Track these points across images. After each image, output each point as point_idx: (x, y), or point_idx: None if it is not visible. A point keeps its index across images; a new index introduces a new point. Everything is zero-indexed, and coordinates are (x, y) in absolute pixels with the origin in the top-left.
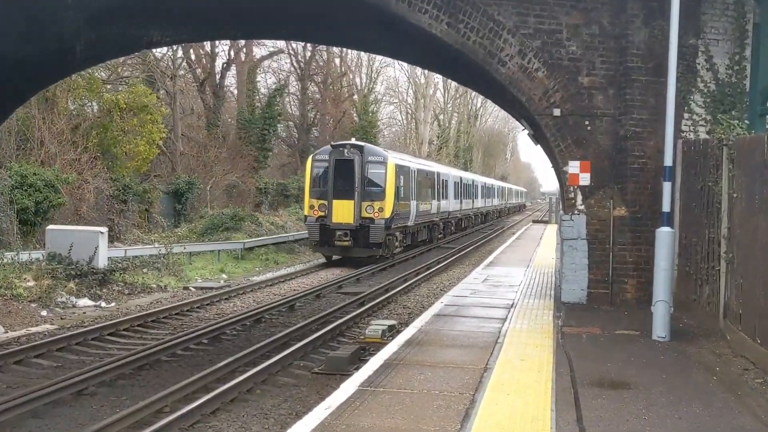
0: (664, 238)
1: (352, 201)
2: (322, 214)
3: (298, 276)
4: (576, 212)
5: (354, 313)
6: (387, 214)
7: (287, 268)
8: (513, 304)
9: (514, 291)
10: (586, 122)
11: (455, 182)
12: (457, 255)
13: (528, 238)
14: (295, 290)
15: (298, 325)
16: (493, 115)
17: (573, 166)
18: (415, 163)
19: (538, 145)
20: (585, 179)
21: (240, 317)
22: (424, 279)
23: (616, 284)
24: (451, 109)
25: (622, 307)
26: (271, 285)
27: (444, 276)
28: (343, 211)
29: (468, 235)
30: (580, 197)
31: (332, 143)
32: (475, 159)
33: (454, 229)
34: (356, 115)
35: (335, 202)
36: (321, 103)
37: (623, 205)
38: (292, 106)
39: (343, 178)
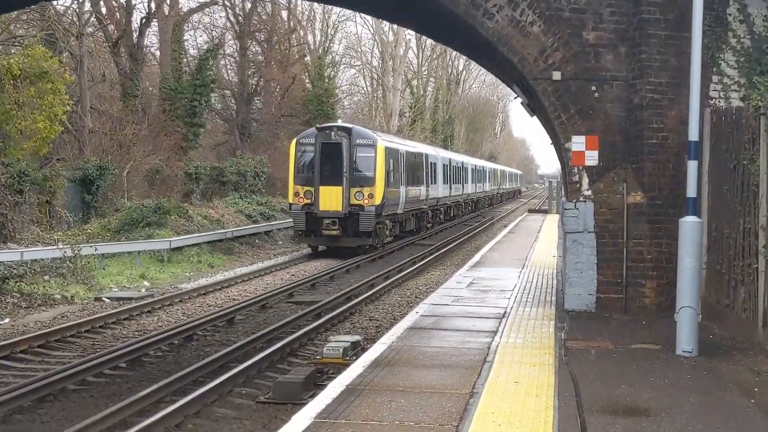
0: (690, 229)
1: (341, 187)
2: (308, 201)
3: (239, 282)
4: (581, 199)
5: (308, 328)
6: (377, 200)
7: (225, 272)
8: (505, 313)
9: (506, 297)
10: (593, 88)
11: (444, 165)
12: (436, 254)
13: (523, 231)
14: (235, 300)
15: (239, 344)
16: (479, 80)
17: (577, 142)
18: (403, 145)
19: (535, 117)
20: (592, 158)
21: (166, 334)
22: (394, 284)
23: (632, 287)
24: (426, 73)
25: (639, 315)
26: (204, 294)
27: (420, 280)
28: (330, 198)
29: (449, 228)
30: (586, 180)
31: (317, 125)
32: (457, 135)
33: (443, 218)
34: (309, 81)
35: (322, 188)
36: (265, 66)
37: (639, 189)
38: (229, 71)
39: (330, 162)
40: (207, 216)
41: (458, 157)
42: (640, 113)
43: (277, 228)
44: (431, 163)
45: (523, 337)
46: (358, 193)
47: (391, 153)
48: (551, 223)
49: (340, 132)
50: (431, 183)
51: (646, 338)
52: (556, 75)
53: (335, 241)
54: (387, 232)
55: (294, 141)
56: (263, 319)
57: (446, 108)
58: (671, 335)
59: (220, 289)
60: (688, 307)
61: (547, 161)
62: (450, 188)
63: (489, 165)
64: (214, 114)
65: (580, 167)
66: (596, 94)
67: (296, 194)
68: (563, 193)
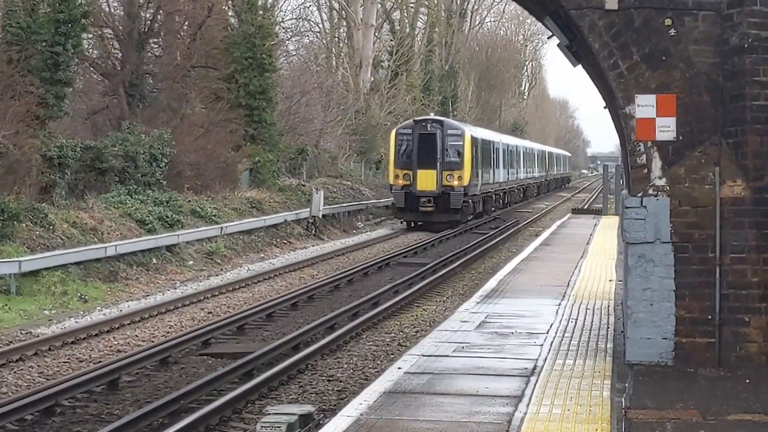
0: None
1: (435, 171)
2: (407, 183)
3: (127, 324)
4: (651, 192)
5: (235, 393)
6: (465, 182)
7: (105, 308)
8: (535, 368)
9: (536, 344)
10: (668, 21)
11: (503, 150)
12: (432, 278)
13: (563, 242)
14: (120, 351)
15: (125, 420)
16: (495, 10)
17: (644, 105)
18: (478, 132)
19: (580, 66)
20: (667, 129)
21: (15, 406)
22: (368, 324)
23: (729, 327)
24: (415, 0)
25: (741, 369)
26: (73, 343)
27: (405, 316)
28: (426, 180)
29: (455, 236)
30: (658, 163)
31: (415, 118)
32: (462, 95)
33: (501, 203)
34: (234, 14)
35: (420, 171)
36: None
37: (740, 176)
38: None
39: (426, 150)
40: (77, 223)
41: (512, 141)
42: (741, 60)
43: (186, 241)
44: (495, 148)
45: (562, 405)
46: (449, 176)
47: (474, 141)
48: (607, 229)
49: (435, 124)
50: (495, 168)
51: (751, 405)
52: (611, 1)
53: (429, 216)
54: (470, 210)
55: (394, 131)
56: (163, 381)
57: (446, 54)
58: None
59: (97, 334)
60: None
61: (600, 136)
62: (507, 173)
63: (537, 147)
64: (87, 65)
65: (649, 143)
66: (672, 32)
67: (396, 177)
68: (624, 182)
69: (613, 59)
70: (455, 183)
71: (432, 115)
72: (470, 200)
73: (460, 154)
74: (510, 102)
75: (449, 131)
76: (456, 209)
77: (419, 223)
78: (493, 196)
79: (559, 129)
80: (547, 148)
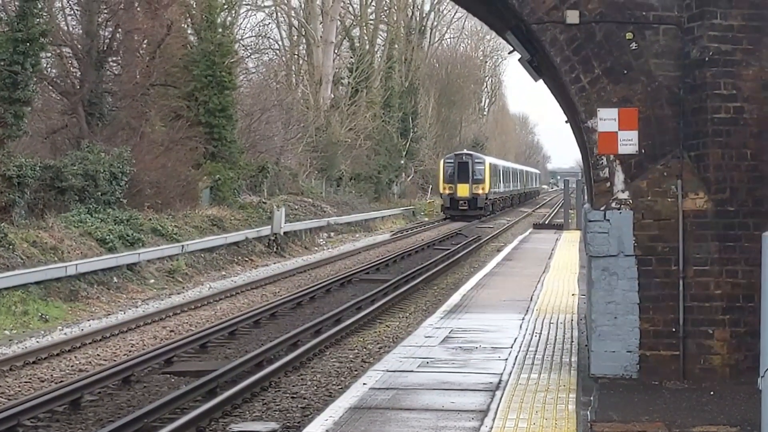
0: None
1: (468, 184)
2: (451, 192)
3: (89, 343)
4: (614, 205)
5: (198, 411)
6: (486, 191)
7: (66, 328)
8: (500, 382)
9: (501, 358)
10: (629, 35)
11: (501, 170)
12: (394, 294)
13: (525, 257)
14: (82, 371)
15: None
16: (455, 27)
17: (606, 119)
18: (492, 160)
19: (541, 81)
20: (629, 142)
21: None
22: (331, 341)
23: (693, 339)
24: (374, 17)
25: (705, 381)
26: (34, 362)
27: (369, 333)
28: (463, 190)
29: (417, 251)
30: (620, 177)
31: (455, 153)
32: (422, 111)
33: (501, 206)
34: (193, 31)
35: (459, 185)
36: (124, 9)
37: (702, 189)
38: (69, 18)
39: (462, 172)
40: (37, 242)
41: (506, 164)
42: (701, 73)
43: (147, 260)
44: (498, 169)
45: (528, 419)
46: (476, 187)
47: (491, 165)
48: (569, 244)
49: (467, 155)
50: (499, 183)
51: (716, 417)
52: (573, 16)
53: (465, 212)
54: (489, 209)
55: (442, 160)
56: (126, 400)
57: (405, 71)
58: (754, 412)
59: (58, 354)
60: None
61: (560, 151)
62: (504, 186)
63: (518, 167)
64: (46, 84)
65: (612, 157)
66: (634, 45)
67: (443, 188)
68: (586, 196)
69: (575, 73)
70: (480, 192)
71: (465, 150)
72: (488, 202)
73: (482, 174)
74: (470, 118)
75: (476, 160)
76: (481, 208)
77: (457, 216)
78: (498, 201)
79: (519, 144)
80: (525, 168)
